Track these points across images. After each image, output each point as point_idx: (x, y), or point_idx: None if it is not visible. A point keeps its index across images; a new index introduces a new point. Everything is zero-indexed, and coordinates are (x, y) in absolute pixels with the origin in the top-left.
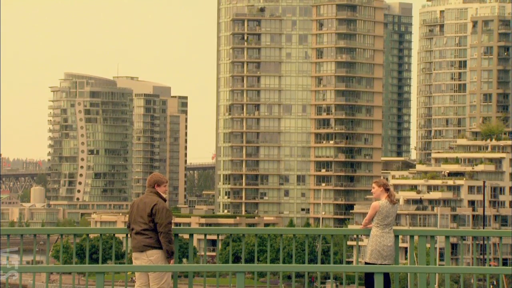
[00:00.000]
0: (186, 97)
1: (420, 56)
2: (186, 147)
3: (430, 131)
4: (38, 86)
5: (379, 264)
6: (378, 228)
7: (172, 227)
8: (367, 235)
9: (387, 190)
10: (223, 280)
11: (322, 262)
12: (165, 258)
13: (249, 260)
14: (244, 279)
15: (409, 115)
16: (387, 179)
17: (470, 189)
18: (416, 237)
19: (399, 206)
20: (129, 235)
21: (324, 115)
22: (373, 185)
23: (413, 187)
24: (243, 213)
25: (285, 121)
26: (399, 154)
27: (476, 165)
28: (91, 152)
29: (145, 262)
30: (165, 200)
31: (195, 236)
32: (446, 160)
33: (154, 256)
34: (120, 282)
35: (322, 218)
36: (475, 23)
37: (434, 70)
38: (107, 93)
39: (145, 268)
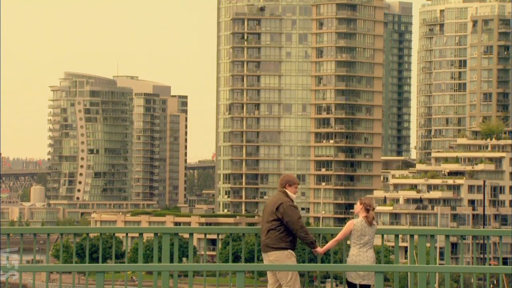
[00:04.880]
0: (186, 97)
1: (420, 55)
2: (186, 146)
3: (430, 130)
4: (38, 86)
5: (359, 284)
6: (355, 248)
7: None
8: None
9: (367, 210)
10: (223, 280)
11: (322, 262)
12: (285, 259)
13: (249, 259)
14: (244, 278)
15: (409, 114)
16: (387, 179)
17: (470, 188)
18: (416, 237)
19: (401, 206)
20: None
21: (324, 115)
22: (357, 201)
23: (413, 187)
24: (243, 212)
25: (285, 120)
26: (399, 153)
27: (476, 164)
28: (91, 151)
29: (267, 263)
30: (292, 201)
31: (195, 236)
32: (446, 160)
33: (272, 257)
34: (120, 282)
35: (322, 217)
36: (475, 22)
37: (434, 69)
38: (107, 93)
39: (143, 267)
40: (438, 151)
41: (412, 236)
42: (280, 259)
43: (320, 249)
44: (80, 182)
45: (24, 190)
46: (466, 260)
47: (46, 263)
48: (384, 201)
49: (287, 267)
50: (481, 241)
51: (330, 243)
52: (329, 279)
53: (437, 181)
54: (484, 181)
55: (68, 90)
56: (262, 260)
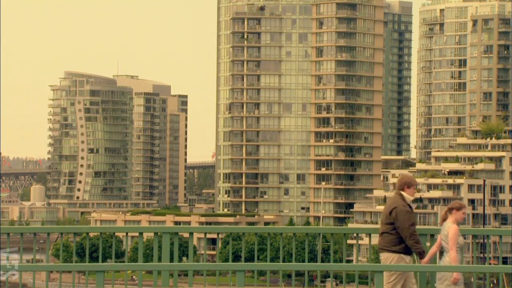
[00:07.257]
0: (186, 96)
1: (420, 55)
2: (186, 146)
3: (430, 129)
4: (38, 85)
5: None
6: None
7: (415, 228)
8: (367, 234)
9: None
10: (223, 279)
11: (322, 261)
12: (398, 262)
13: (249, 258)
14: (244, 277)
15: (409, 113)
16: (387, 178)
17: (470, 187)
18: None
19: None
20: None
21: (324, 114)
22: None
23: None
24: (243, 211)
25: (285, 119)
26: (399, 152)
27: (476, 163)
28: (91, 150)
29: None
30: (409, 205)
31: (195, 235)
32: (446, 159)
33: (383, 257)
34: (120, 281)
35: (322, 216)
36: (475, 22)
37: (434, 68)
38: (107, 92)
39: (143, 266)
40: (438, 151)
41: None
42: (393, 262)
43: (425, 260)
44: (80, 182)
45: (24, 189)
46: (466, 259)
47: (46, 262)
48: (384, 200)
49: (287, 266)
50: (481, 241)
51: (432, 251)
52: (329, 279)
53: (437, 181)
54: (484, 181)
55: (68, 90)
56: (262, 260)
